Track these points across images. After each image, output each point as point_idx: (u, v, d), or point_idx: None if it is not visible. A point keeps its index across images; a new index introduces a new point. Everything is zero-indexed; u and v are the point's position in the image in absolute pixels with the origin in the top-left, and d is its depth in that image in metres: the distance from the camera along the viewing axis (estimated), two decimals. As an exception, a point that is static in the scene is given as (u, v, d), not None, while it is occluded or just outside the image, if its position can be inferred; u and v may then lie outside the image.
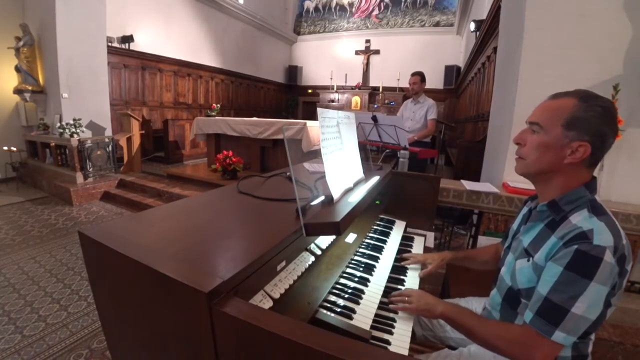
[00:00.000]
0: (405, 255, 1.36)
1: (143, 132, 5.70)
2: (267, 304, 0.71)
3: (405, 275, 1.26)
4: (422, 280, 1.28)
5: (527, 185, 2.07)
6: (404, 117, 3.81)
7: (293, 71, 12.12)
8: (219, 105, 7.50)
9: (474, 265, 1.30)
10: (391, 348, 0.88)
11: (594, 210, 0.78)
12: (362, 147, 1.43)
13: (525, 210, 1.04)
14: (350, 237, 1.22)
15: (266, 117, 5.73)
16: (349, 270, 1.15)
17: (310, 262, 0.91)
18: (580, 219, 0.78)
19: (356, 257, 1.25)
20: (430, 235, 1.69)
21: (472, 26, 5.79)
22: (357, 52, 11.09)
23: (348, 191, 1.11)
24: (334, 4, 11.45)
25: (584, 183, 0.83)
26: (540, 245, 0.83)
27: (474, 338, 0.87)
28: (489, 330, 0.83)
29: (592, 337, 0.84)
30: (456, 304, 1.00)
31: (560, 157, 0.81)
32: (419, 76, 3.72)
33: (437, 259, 1.29)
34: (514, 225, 1.06)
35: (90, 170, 4.71)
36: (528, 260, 0.86)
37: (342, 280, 1.09)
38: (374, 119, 2.89)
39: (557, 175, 0.84)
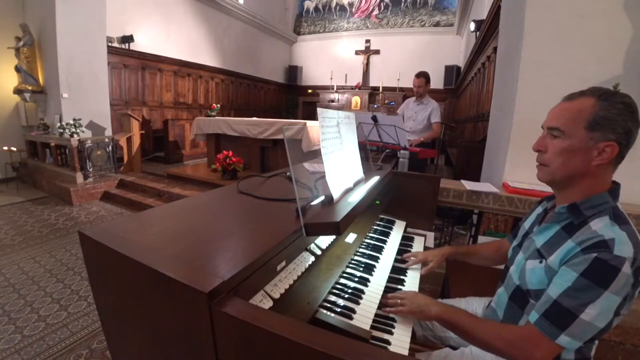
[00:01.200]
0: (405, 255, 1.36)
1: (143, 132, 5.70)
2: (267, 304, 0.71)
3: (405, 275, 1.26)
4: (422, 280, 1.28)
5: (527, 185, 2.07)
6: (405, 117, 3.79)
7: (293, 71, 12.12)
8: (219, 105, 7.50)
9: (475, 260, 1.30)
10: (391, 348, 0.88)
11: (616, 219, 0.76)
12: (362, 147, 1.43)
13: (540, 210, 1.02)
14: (350, 237, 1.22)
15: (266, 117, 5.73)
16: (349, 270, 1.15)
17: (310, 262, 0.91)
18: (602, 227, 0.76)
19: (356, 257, 1.25)
20: (430, 235, 1.69)
21: (472, 26, 5.79)
22: (357, 52, 11.09)
23: (348, 191, 1.11)
24: (334, 4, 11.46)
25: (609, 187, 0.81)
26: (555, 248, 0.81)
27: (471, 339, 0.86)
28: (487, 331, 0.82)
29: (596, 341, 0.84)
30: (452, 305, 0.99)
31: (588, 160, 0.79)
32: (424, 78, 3.62)
33: (438, 255, 1.29)
34: (526, 224, 1.04)
35: (90, 170, 4.71)
36: (540, 262, 0.84)
37: (342, 280, 1.08)
38: (374, 119, 2.89)
39: (584, 178, 0.82)
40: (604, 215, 0.78)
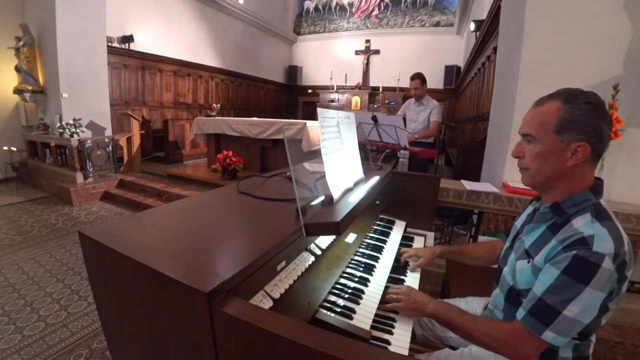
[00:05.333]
0: (402, 250, 1.37)
1: (143, 132, 5.69)
2: (267, 304, 0.71)
3: (405, 275, 1.26)
4: (422, 280, 1.28)
5: (527, 185, 2.06)
6: (407, 118, 3.78)
7: (293, 71, 12.11)
8: (218, 105, 7.50)
9: (465, 260, 1.31)
10: (391, 348, 0.88)
11: (597, 215, 0.78)
12: (362, 147, 1.43)
13: (530, 209, 1.03)
14: (350, 237, 1.22)
15: (266, 117, 5.73)
16: (349, 270, 1.15)
17: (310, 262, 0.91)
18: (582, 224, 0.77)
19: (356, 257, 1.25)
20: (430, 235, 1.69)
21: (472, 26, 5.79)
22: (357, 52, 11.08)
23: (348, 191, 1.11)
24: (334, 4, 11.45)
25: (590, 185, 0.82)
26: (541, 248, 0.83)
27: (464, 336, 0.88)
28: (477, 328, 0.84)
29: (593, 338, 0.85)
30: (445, 302, 1.01)
31: (563, 162, 0.81)
32: (419, 79, 3.59)
33: (428, 252, 1.31)
34: (517, 224, 1.06)
35: (90, 170, 4.71)
36: (528, 262, 0.86)
37: (342, 280, 1.09)
38: (374, 119, 2.89)
39: (563, 179, 0.83)
40: (586, 212, 0.79)
